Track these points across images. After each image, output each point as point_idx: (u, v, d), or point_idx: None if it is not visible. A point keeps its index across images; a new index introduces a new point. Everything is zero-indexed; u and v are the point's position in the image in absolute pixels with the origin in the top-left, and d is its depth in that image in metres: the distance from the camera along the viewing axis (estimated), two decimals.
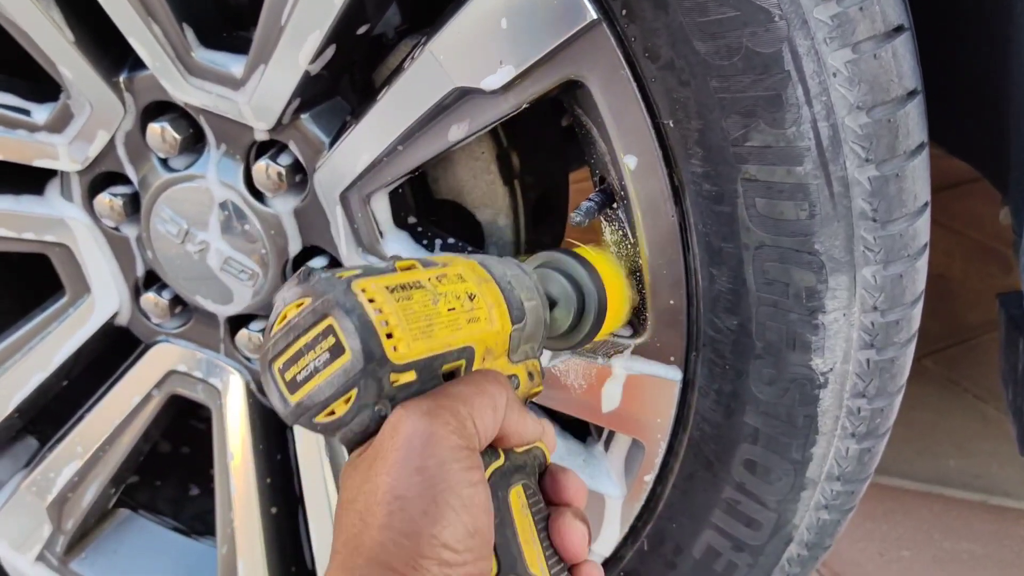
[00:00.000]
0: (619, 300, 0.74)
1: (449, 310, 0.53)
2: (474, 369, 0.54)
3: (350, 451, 0.51)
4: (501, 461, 0.54)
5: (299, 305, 0.50)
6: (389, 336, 0.49)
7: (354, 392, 0.48)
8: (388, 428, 0.48)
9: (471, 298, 0.55)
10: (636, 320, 0.78)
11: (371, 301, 0.49)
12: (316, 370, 0.49)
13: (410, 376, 0.50)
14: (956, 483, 1.46)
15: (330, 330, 0.48)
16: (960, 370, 1.67)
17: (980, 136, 1.03)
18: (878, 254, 0.68)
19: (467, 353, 0.54)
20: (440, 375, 0.53)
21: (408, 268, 0.54)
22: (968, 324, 1.78)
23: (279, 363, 0.50)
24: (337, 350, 0.48)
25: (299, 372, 0.49)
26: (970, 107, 1.00)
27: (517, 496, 0.54)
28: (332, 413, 0.50)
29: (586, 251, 0.74)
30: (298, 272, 0.52)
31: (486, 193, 0.93)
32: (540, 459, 0.58)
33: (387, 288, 0.50)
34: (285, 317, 0.50)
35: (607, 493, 0.85)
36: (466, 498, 0.46)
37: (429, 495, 0.45)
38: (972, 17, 0.86)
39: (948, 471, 1.48)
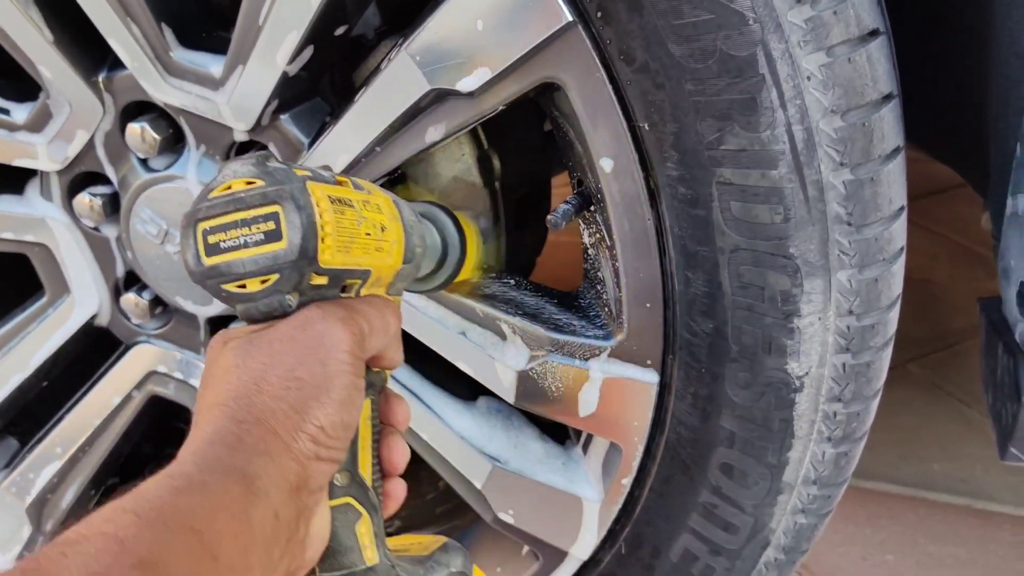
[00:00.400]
0: (472, 258, 0.82)
1: (366, 234, 0.59)
2: (363, 293, 0.61)
3: (247, 322, 0.57)
4: (367, 375, 0.60)
5: (249, 183, 0.54)
6: (322, 241, 0.54)
7: (275, 277, 0.53)
8: (301, 319, 0.55)
9: (383, 230, 0.61)
10: (612, 322, 0.78)
11: (317, 204, 0.54)
12: (244, 245, 0.53)
13: (323, 280, 0.56)
14: (941, 487, 1.46)
15: (274, 216, 0.53)
16: (945, 374, 1.67)
17: (961, 140, 1.03)
18: (853, 258, 0.68)
19: (365, 276, 0.60)
20: (341, 287, 0.59)
21: (342, 184, 0.59)
22: (953, 328, 1.78)
23: (205, 225, 0.54)
24: (274, 236, 0.53)
25: (224, 240, 0.54)
26: (951, 111, 1.00)
27: (367, 407, 0.62)
28: (243, 287, 0.54)
29: (456, 212, 0.82)
30: (255, 152, 0.55)
31: (467, 195, 0.93)
32: (384, 381, 0.65)
33: (329, 197, 0.56)
34: (230, 188, 0.54)
35: (585, 496, 0.85)
36: (349, 397, 0.54)
37: (324, 384, 0.53)
38: (952, 20, 0.87)
39: (933, 475, 1.48)
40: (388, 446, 0.65)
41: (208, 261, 0.54)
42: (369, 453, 0.62)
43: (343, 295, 0.59)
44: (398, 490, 0.66)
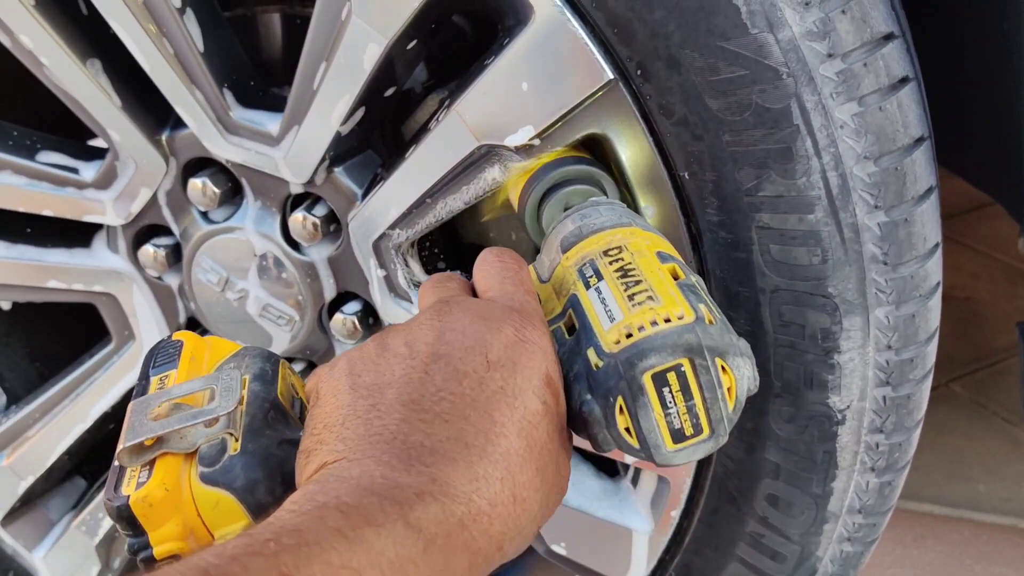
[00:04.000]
0: None
1: None
2: None
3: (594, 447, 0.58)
4: None
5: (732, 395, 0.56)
6: None
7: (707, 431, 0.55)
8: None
9: None
10: None
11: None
12: (671, 417, 0.55)
13: None
14: (986, 507, 1.47)
15: (717, 433, 0.55)
16: (988, 393, 1.67)
17: (997, 167, 1.05)
18: (890, 295, 0.71)
19: None
20: None
21: None
22: (996, 347, 1.79)
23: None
24: (697, 427, 0.55)
25: (671, 406, 0.55)
26: (986, 138, 1.02)
27: None
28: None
29: None
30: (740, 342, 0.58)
31: (512, 239, 0.96)
32: None
33: None
34: (731, 390, 0.56)
35: (635, 528, 0.88)
36: None
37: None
38: (984, 46, 0.89)
39: (978, 495, 1.49)
40: None
41: (645, 380, 0.53)
42: None
43: None
44: None
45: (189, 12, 0.82)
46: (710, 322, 0.55)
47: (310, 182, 0.87)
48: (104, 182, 0.97)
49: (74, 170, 0.98)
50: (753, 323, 0.74)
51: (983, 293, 1.94)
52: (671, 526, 0.87)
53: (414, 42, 0.76)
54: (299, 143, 0.84)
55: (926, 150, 0.70)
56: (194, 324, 1.05)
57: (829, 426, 0.75)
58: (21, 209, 0.98)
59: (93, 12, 0.84)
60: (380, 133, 0.90)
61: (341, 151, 0.86)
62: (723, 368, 0.54)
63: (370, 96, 0.79)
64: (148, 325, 1.05)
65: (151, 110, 0.92)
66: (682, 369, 0.54)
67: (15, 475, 1.13)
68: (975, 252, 2.04)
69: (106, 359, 1.09)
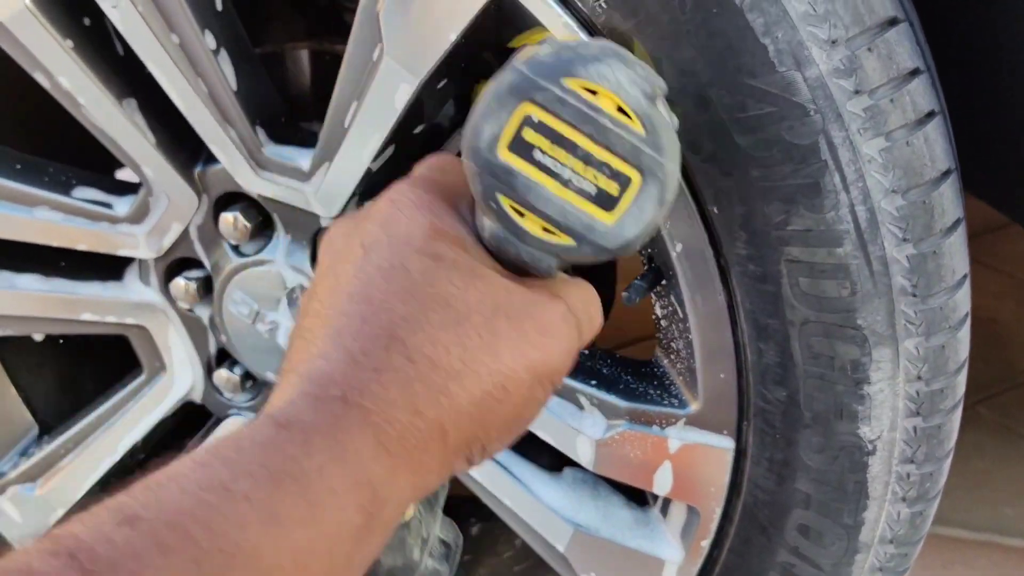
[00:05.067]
0: None
1: None
2: None
3: (479, 238, 0.46)
4: None
5: (625, 115, 0.44)
6: (640, 239, 0.46)
7: (568, 243, 0.44)
8: (542, 315, 0.45)
9: None
10: (688, 391, 0.82)
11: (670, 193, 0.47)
12: (565, 183, 0.43)
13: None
14: (1014, 531, 1.45)
15: (625, 182, 0.43)
16: (1015, 416, 1.66)
17: (1019, 189, 1.05)
18: (919, 327, 0.71)
19: None
20: None
21: None
22: (1021, 368, 1.78)
23: (536, 113, 0.43)
24: (606, 201, 0.43)
25: (546, 156, 0.43)
26: (1009, 163, 1.02)
27: None
28: (521, 215, 0.44)
29: None
30: (642, 65, 0.46)
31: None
32: None
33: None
34: (596, 95, 0.43)
35: (666, 557, 0.88)
36: (532, 420, 0.47)
37: (522, 409, 0.44)
38: (999, 65, 0.90)
39: (1006, 519, 1.48)
40: None
41: (504, 157, 0.42)
42: None
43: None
44: None
45: (223, 52, 0.84)
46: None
47: (340, 215, 0.89)
48: (137, 217, 0.98)
49: (108, 205, 1.00)
50: (783, 355, 0.74)
51: (1007, 314, 1.93)
52: (701, 556, 0.87)
53: (444, 80, 0.78)
54: (330, 179, 0.85)
55: (953, 183, 0.71)
56: (224, 356, 1.06)
57: (860, 456, 0.76)
58: (56, 244, 1.00)
59: (129, 53, 0.86)
60: (408, 167, 0.91)
61: (371, 184, 0.87)
62: (584, 90, 0.42)
63: (400, 134, 0.80)
64: (179, 356, 1.07)
65: (184, 146, 0.93)
66: (533, 119, 0.42)
67: (48, 505, 1.14)
68: (997, 272, 2.03)
69: (137, 390, 1.10)
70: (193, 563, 0.32)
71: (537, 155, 0.42)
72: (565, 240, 0.43)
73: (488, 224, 0.45)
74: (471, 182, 0.44)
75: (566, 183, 0.42)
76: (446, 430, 0.40)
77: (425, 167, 0.54)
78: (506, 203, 0.43)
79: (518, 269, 0.47)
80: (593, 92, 0.42)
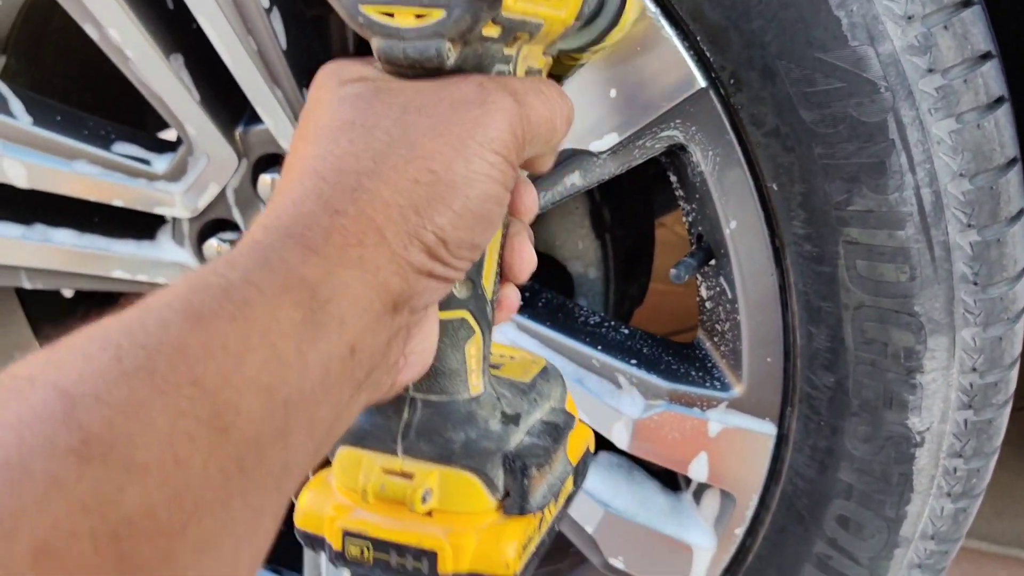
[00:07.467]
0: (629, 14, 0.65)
1: None
2: (523, 52, 0.50)
3: (383, 64, 0.46)
4: None
5: None
6: None
7: (439, 14, 0.42)
8: (454, 92, 0.43)
9: None
10: (731, 374, 0.80)
11: None
12: None
13: (495, 32, 0.44)
14: None
15: None
16: None
17: None
18: (978, 316, 0.70)
19: (536, 29, 0.49)
20: (512, 39, 0.47)
21: None
22: None
23: None
24: None
25: None
26: None
27: None
28: (390, 16, 0.43)
29: None
30: None
31: (578, 247, 0.96)
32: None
33: None
34: None
35: (697, 544, 0.87)
36: (488, 213, 0.44)
37: (462, 189, 0.43)
38: None
39: None
40: (514, 248, 0.53)
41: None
42: (495, 258, 0.52)
43: (506, 52, 0.47)
44: (512, 299, 0.55)
45: (275, 10, 0.83)
46: None
47: None
48: (175, 175, 0.97)
49: (146, 162, 0.99)
50: (834, 339, 0.73)
51: None
52: (734, 544, 0.85)
53: None
54: None
55: (1019, 172, 0.69)
56: None
57: (907, 448, 0.74)
58: (93, 199, 0.99)
59: (179, 7, 0.85)
60: None
61: None
62: None
63: None
64: None
65: (227, 106, 0.92)
66: None
67: None
68: None
69: None
70: (115, 361, 0.33)
71: None
72: (437, 14, 0.43)
73: (374, 45, 0.45)
74: (339, 12, 0.45)
75: None
76: (377, 222, 0.41)
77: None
78: (372, 11, 0.43)
79: (422, 73, 0.46)
80: None
